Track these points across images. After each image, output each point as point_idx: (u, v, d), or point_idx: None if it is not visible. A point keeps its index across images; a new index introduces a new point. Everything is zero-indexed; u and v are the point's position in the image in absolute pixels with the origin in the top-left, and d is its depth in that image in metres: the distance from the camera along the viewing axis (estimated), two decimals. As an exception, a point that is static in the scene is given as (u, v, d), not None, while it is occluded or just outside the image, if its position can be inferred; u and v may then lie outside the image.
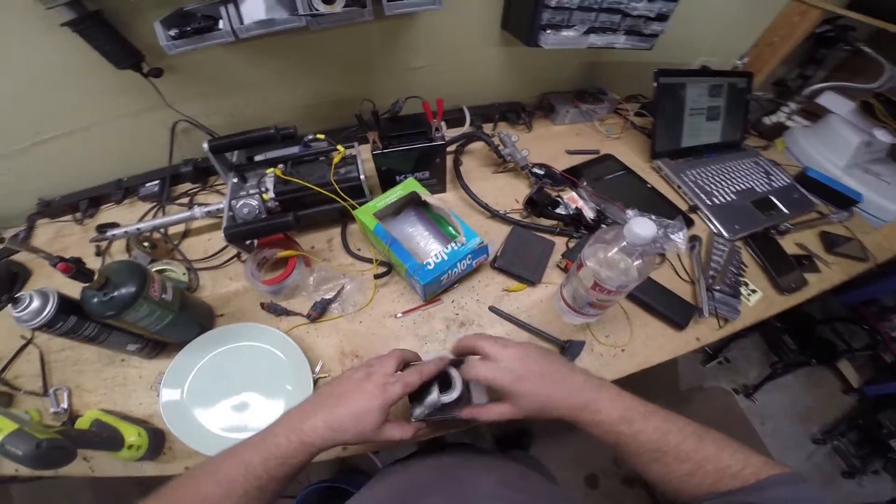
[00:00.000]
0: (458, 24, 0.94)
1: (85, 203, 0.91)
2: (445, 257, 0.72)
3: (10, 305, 0.51)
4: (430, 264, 0.71)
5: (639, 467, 0.42)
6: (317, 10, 0.69)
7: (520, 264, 0.80)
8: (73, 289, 0.54)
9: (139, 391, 0.68)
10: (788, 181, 1.08)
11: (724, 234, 0.91)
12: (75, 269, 0.50)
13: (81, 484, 1.37)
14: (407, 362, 0.52)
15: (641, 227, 0.53)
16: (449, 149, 0.98)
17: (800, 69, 1.28)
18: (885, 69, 1.04)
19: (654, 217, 0.86)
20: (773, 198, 1.01)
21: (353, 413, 0.43)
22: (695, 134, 1.10)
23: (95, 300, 0.53)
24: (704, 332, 0.79)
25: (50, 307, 0.52)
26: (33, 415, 0.64)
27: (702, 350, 1.86)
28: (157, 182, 0.92)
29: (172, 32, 0.68)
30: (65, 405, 0.66)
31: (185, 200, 0.93)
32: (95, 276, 0.52)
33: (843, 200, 1.03)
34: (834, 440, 1.71)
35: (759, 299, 0.84)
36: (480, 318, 0.77)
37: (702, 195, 0.97)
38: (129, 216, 0.91)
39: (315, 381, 0.67)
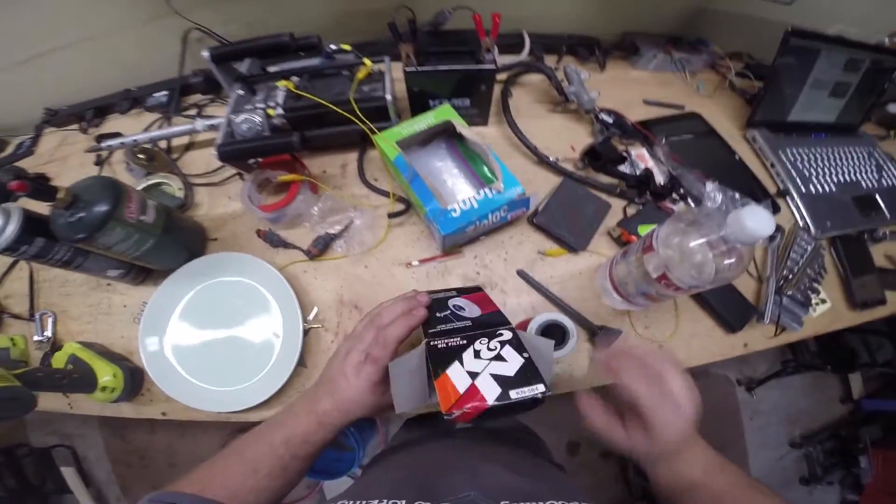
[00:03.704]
0: None
1: (91, 112, 0.86)
2: (475, 205, 0.61)
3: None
4: (455, 210, 0.60)
5: None
6: None
7: (564, 225, 0.69)
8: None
9: (123, 322, 0.65)
10: (899, 181, 0.89)
11: (813, 229, 0.76)
12: (32, 186, 0.42)
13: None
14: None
15: (756, 220, 0.39)
16: (499, 77, 0.83)
17: None
18: None
19: (736, 195, 0.73)
20: (878, 197, 0.84)
21: (347, 398, 0.43)
22: (808, 108, 0.90)
23: (62, 220, 0.46)
24: (756, 337, 0.69)
25: (12, 228, 0.46)
26: (18, 342, 0.63)
27: None
28: (166, 93, 0.86)
29: None
30: (49, 333, 0.64)
31: (193, 112, 0.85)
32: (61, 194, 0.45)
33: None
34: (809, 447, 1.73)
35: (826, 310, 0.72)
36: (505, 283, 0.67)
37: (798, 179, 0.81)
38: (135, 126, 0.84)
39: (306, 331, 0.60)
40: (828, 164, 0.86)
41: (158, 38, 0.83)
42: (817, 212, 0.78)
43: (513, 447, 0.58)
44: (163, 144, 0.79)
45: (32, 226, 0.48)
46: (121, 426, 1.57)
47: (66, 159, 0.82)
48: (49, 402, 0.60)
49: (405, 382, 0.39)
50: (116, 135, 0.74)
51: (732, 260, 0.44)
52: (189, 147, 0.80)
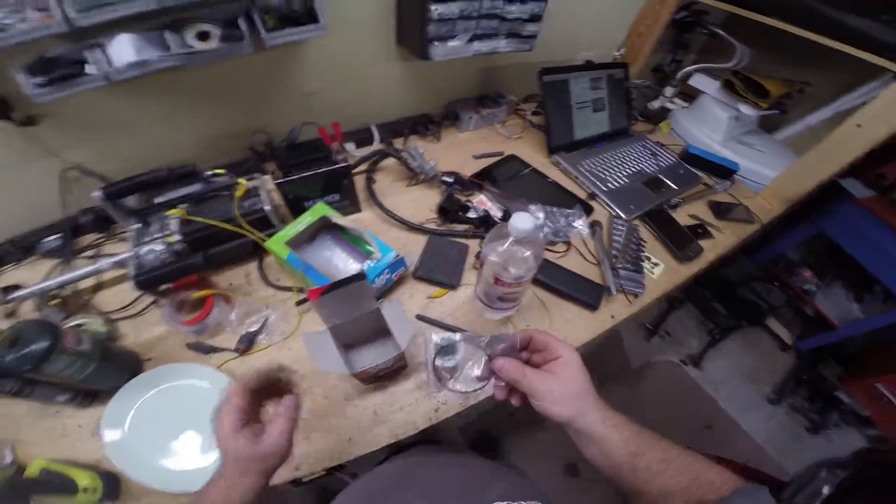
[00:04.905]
0: (352, 44, 1.00)
1: None
2: None
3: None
4: (347, 285, 0.76)
5: (641, 484, 0.46)
6: (191, 47, 0.74)
7: (439, 271, 0.88)
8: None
9: (83, 439, 0.69)
10: (674, 160, 1.24)
11: (622, 215, 1.04)
12: None
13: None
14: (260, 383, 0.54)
15: (521, 221, 0.61)
16: (361, 168, 1.06)
17: (672, 55, 1.48)
18: (737, 49, 1.23)
19: (555, 209, 0.98)
20: (661, 176, 1.17)
21: (227, 451, 0.48)
22: (585, 126, 1.24)
23: (9, 358, 0.55)
24: (618, 308, 0.89)
25: None
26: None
27: (643, 327, 2.03)
28: (57, 236, 0.90)
29: (38, 80, 0.68)
30: (9, 459, 0.65)
31: (91, 253, 0.92)
32: (3, 335, 0.55)
33: (724, 171, 1.20)
34: (787, 398, 1.85)
35: (662, 271, 0.97)
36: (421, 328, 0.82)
37: (598, 182, 1.11)
38: (33, 274, 0.89)
39: None
40: (616, 164, 1.19)
41: (35, 181, 0.88)
42: (621, 201, 1.07)
43: (471, 458, 0.66)
44: (73, 287, 0.83)
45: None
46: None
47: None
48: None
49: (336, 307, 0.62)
50: (17, 287, 0.79)
51: (529, 252, 0.66)
52: (98, 287, 0.87)
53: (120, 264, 0.82)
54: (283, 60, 0.97)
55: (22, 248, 0.90)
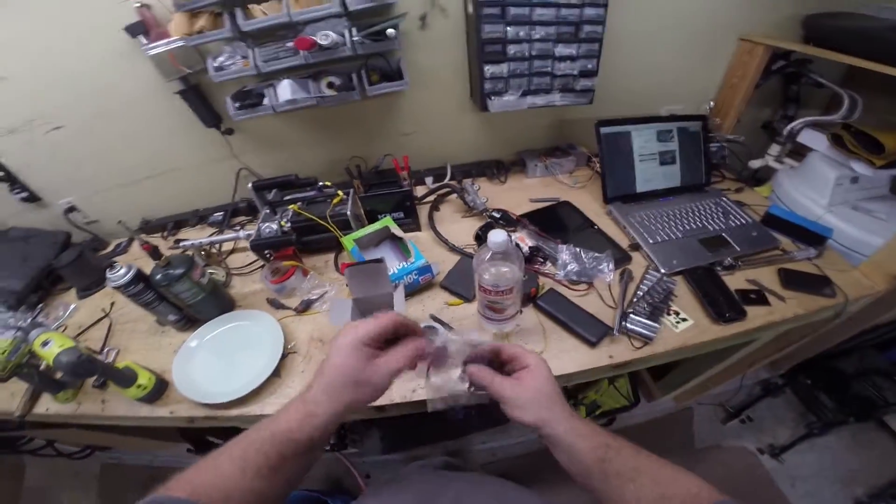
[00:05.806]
0: (434, 97, 1.30)
1: (171, 224, 1.39)
2: (395, 271, 1.01)
3: (108, 270, 0.90)
4: (386, 276, 0.99)
5: (613, 491, 0.46)
6: (323, 92, 1.11)
7: (460, 285, 1.05)
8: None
9: (166, 355, 0.98)
10: (749, 220, 1.16)
11: (660, 268, 1.05)
12: (152, 249, 0.91)
13: (90, 474, 1.74)
14: (401, 327, 0.52)
15: (495, 236, 0.74)
16: (430, 198, 1.32)
17: (782, 109, 1.36)
18: (844, 99, 1.10)
19: (582, 251, 1.05)
20: (725, 236, 1.11)
21: (335, 365, 0.46)
22: (649, 178, 1.25)
23: (158, 275, 0.91)
24: (620, 351, 0.91)
25: (131, 272, 0.91)
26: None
27: (723, 407, 1.85)
28: (221, 213, 1.37)
29: (237, 104, 1.11)
30: (112, 358, 1.00)
31: (238, 227, 1.35)
32: (163, 259, 0.92)
33: (812, 238, 1.08)
34: (885, 502, 1.59)
35: (688, 327, 0.94)
36: (422, 322, 1.00)
37: (644, 234, 1.12)
38: (199, 235, 1.35)
39: (284, 355, 0.95)
40: (673, 219, 1.18)
41: (222, 174, 1.33)
42: (664, 254, 1.07)
43: (496, 478, 0.68)
44: (219, 247, 1.24)
45: (139, 276, 0.90)
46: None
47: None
48: (87, 406, 0.90)
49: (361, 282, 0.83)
50: (186, 240, 1.21)
51: (507, 265, 0.78)
52: (233, 251, 1.29)
53: (249, 237, 1.21)
54: (387, 106, 1.30)
55: (199, 217, 1.40)
